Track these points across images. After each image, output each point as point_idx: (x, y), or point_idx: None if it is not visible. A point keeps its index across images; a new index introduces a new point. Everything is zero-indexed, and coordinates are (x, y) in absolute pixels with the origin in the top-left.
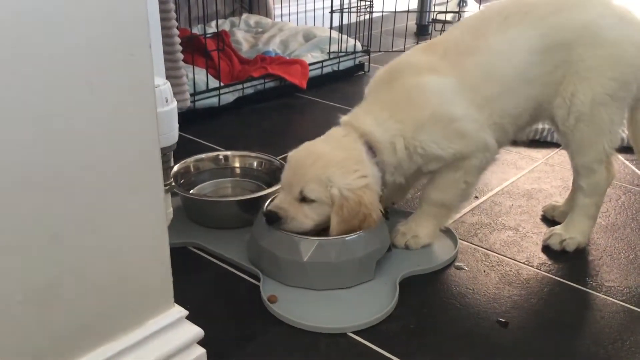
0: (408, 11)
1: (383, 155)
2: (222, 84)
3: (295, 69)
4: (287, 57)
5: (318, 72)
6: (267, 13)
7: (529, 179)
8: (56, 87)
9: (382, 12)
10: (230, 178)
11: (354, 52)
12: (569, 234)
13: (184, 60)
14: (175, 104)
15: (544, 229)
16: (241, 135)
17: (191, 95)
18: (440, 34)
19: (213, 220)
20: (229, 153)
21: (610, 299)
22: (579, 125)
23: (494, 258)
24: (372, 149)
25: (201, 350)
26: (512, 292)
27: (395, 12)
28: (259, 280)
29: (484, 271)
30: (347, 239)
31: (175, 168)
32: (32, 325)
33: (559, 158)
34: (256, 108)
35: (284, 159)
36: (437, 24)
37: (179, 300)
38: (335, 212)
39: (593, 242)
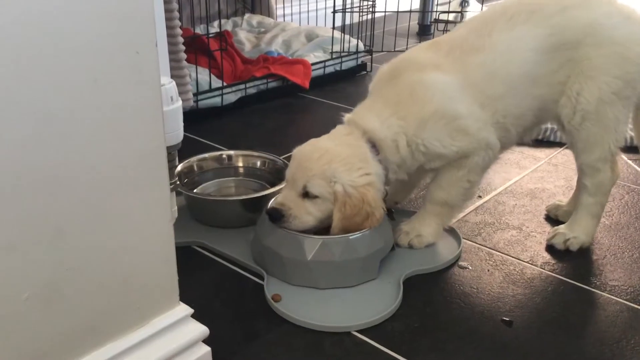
0: (410, 11)
1: (386, 153)
2: (224, 84)
3: (298, 68)
4: (290, 57)
5: (320, 72)
6: (269, 13)
7: (533, 179)
8: (62, 85)
9: (385, 12)
10: (234, 177)
11: (357, 52)
12: (572, 233)
13: (187, 60)
14: (180, 102)
15: (547, 228)
16: (244, 134)
17: (194, 95)
18: (443, 34)
19: (217, 220)
20: (232, 152)
21: (615, 298)
22: (585, 124)
23: (497, 257)
24: (375, 146)
25: (206, 349)
26: (516, 291)
27: (397, 12)
28: (263, 279)
29: (488, 270)
30: (351, 238)
31: (179, 167)
32: (37, 323)
33: (562, 157)
34: (259, 108)
35: (287, 158)
36: (439, 24)
37: (184, 299)
38: (337, 208)
39: (597, 241)
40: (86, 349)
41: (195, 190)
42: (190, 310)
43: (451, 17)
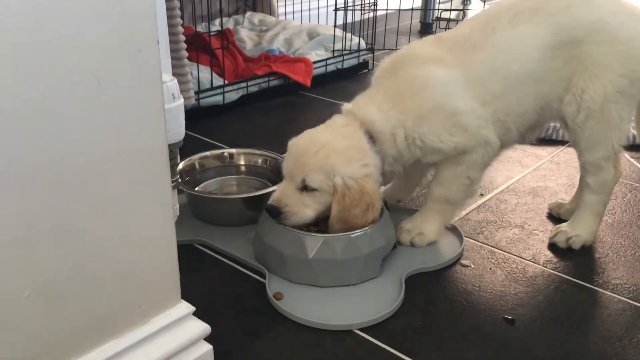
0: (412, 9)
1: (383, 145)
2: (226, 82)
3: (300, 67)
4: (291, 55)
5: (322, 70)
6: (271, 11)
7: (535, 177)
8: (63, 82)
9: (387, 10)
10: (235, 175)
11: (358, 50)
12: (575, 232)
13: (189, 59)
14: (182, 100)
15: (550, 226)
16: (245, 133)
17: (195, 93)
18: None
19: (218, 218)
20: (234, 151)
21: (617, 296)
22: (589, 122)
23: (499, 255)
24: (372, 138)
25: (208, 347)
26: (518, 290)
27: (399, 10)
28: (264, 277)
29: (490, 269)
30: (352, 236)
31: (181, 165)
32: (38, 321)
33: (564, 156)
34: (260, 106)
35: None
36: (441, 22)
37: (185, 297)
38: (337, 200)
39: (599, 239)
40: (88, 346)
41: (197, 189)
42: (192, 308)
43: (453, 15)
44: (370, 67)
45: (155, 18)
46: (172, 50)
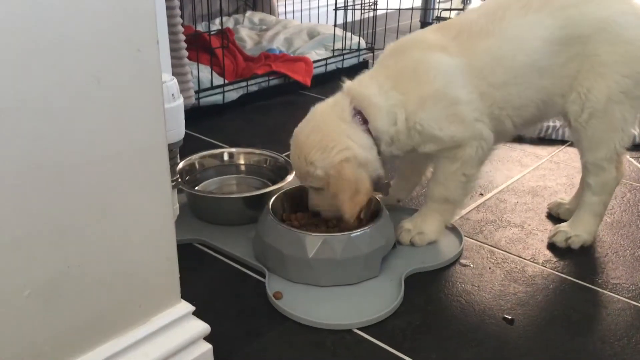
0: (412, 8)
1: (377, 123)
2: (226, 82)
3: (300, 66)
4: (291, 55)
5: (322, 69)
6: (271, 10)
7: (534, 177)
8: (63, 82)
9: (387, 9)
10: (235, 175)
11: (358, 50)
12: (574, 232)
13: (189, 58)
14: (181, 100)
15: (549, 226)
16: (245, 132)
17: (195, 92)
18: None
19: (218, 217)
20: (233, 150)
21: (616, 296)
22: (592, 121)
23: (499, 255)
24: (362, 116)
25: (207, 346)
26: (517, 289)
27: (399, 9)
28: (264, 276)
29: (490, 268)
30: (352, 235)
31: (180, 165)
32: (38, 320)
33: (563, 155)
34: (260, 105)
35: (289, 156)
36: (441, 22)
37: (185, 296)
38: (327, 189)
39: (598, 239)
40: (87, 346)
41: (196, 188)
42: (192, 308)
43: (453, 14)
44: (370, 66)
45: (155, 18)
46: (172, 50)
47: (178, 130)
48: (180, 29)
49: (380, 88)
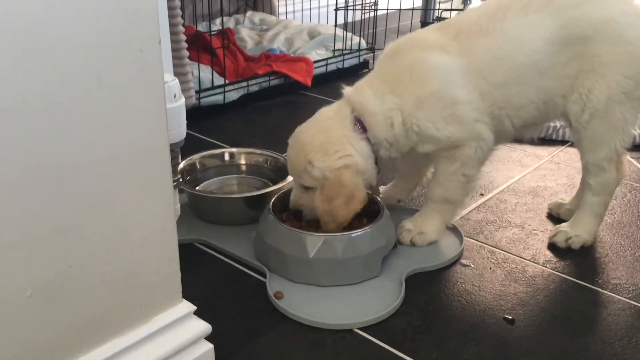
0: (413, 9)
1: (375, 131)
2: (227, 82)
3: (300, 66)
4: (292, 55)
5: (323, 69)
6: (271, 10)
7: (535, 177)
8: (65, 82)
9: (387, 9)
10: (236, 175)
11: (359, 50)
12: (574, 232)
13: (189, 58)
14: (183, 100)
15: (549, 226)
16: (246, 132)
17: (196, 92)
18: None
19: (219, 217)
20: (234, 150)
21: (617, 296)
22: (593, 122)
23: (499, 255)
24: (363, 125)
25: (209, 346)
26: (518, 290)
27: (400, 9)
28: (265, 276)
29: (490, 268)
30: (353, 235)
31: (181, 165)
32: (40, 320)
33: (564, 156)
34: (261, 105)
35: None
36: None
37: (186, 296)
38: (319, 191)
39: (599, 239)
40: (89, 345)
41: (197, 188)
42: (193, 308)
43: (453, 14)
44: (370, 66)
45: (157, 18)
46: (173, 50)
47: (179, 130)
48: (181, 29)
49: (376, 94)
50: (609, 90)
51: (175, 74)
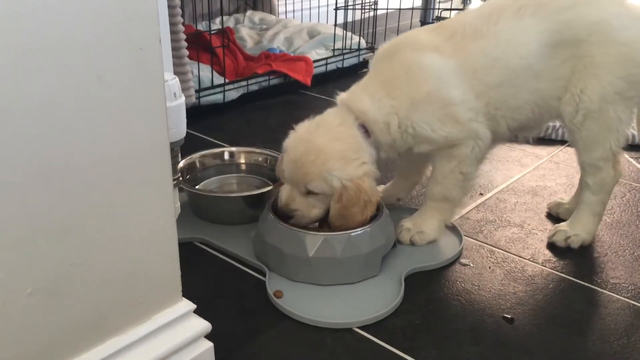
0: (412, 8)
1: (377, 136)
2: (226, 81)
3: (300, 65)
4: (292, 54)
5: (322, 69)
6: (271, 10)
7: (534, 176)
8: (66, 81)
9: (387, 9)
10: (236, 174)
11: (359, 50)
12: (573, 231)
13: (189, 57)
14: (183, 99)
15: (549, 226)
16: (246, 131)
17: (196, 91)
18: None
19: (219, 216)
20: (234, 149)
21: (616, 295)
22: (587, 122)
23: (499, 255)
24: (366, 130)
25: (208, 344)
26: (517, 289)
27: (399, 9)
28: (264, 275)
29: (489, 268)
30: (352, 234)
31: (181, 164)
32: (40, 318)
33: (563, 155)
34: (260, 105)
35: None
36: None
37: (186, 294)
38: (335, 200)
39: (598, 239)
40: (89, 343)
41: (197, 187)
42: (193, 306)
43: (453, 14)
44: (370, 66)
45: (158, 17)
46: (173, 49)
47: (180, 129)
48: (181, 28)
49: (372, 98)
50: (602, 91)
51: (175, 73)
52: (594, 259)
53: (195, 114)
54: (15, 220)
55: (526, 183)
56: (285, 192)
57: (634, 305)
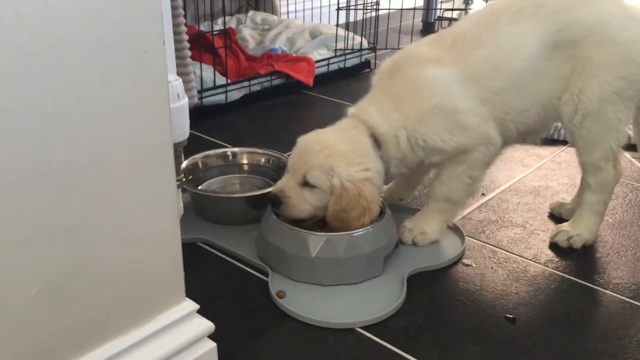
0: (414, 8)
1: (387, 149)
2: (229, 81)
3: (302, 66)
4: (294, 55)
5: (324, 69)
6: (273, 10)
7: (536, 176)
8: (70, 82)
9: (389, 9)
10: (238, 174)
11: (360, 50)
12: (576, 231)
13: (192, 58)
14: (186, 100)
15: (551, 226)
16: (248, 131)
17: (198, 92)
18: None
19: (221, 217)
20: (236, 149)
21: (618, 295)
22: (586, 122)
23: (501, 255)
24: (377, 142)
25: (212, 344)
26: (519, 289)
27: (401, 9)
28: (267, 275)
29: (492, 268)
30: (354, 235)
31: (184, 164)
32: (45, 318)
33: (565, 155)
34: (263, 105)
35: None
36: (443, 22)
37: (189, 295)
38: (334, 201)
39: (600, 239)
40: (93, 344)
41: (200, 187)
42: (196, 306)
43: (455, 14)
44: (372, 66)
45: (161, 18)
46: (176, 50)
47: (183, 130)
48: (184, 28)
49: (381, 113)
50: (601, 91)
51: (178, 74)
52: (596, 259)
53: (198, 114)
54: (20, 220)
55: (528, 183)
56: (282, 179)
57: (636, 305)
